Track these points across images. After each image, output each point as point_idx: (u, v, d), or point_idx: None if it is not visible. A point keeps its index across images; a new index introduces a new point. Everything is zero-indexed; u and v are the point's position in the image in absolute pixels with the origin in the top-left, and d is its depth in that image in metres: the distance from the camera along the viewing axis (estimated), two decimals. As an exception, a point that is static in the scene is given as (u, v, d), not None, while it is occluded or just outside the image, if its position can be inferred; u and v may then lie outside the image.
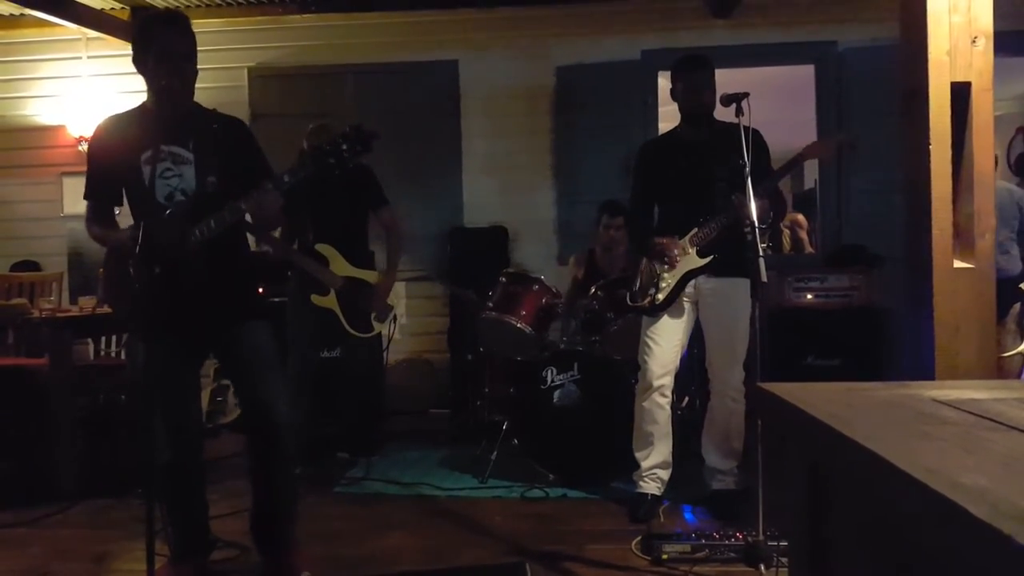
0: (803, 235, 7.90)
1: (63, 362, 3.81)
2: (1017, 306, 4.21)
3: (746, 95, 2.72)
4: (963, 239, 2.35)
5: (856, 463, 0.81)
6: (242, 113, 5.69)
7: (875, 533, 0.87)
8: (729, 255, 3.11)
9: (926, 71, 2.30)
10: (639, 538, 2.93)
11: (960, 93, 2.30)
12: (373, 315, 4.00)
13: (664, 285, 3.24)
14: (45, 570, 2.87)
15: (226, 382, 5.05)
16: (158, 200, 2.50)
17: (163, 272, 2.35)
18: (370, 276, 4.01)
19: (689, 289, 3.25)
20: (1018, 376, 3.97)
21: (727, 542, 2.74)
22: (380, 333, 4.16)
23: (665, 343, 3.24)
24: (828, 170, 5.53)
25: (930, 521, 0.64)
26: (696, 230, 3.20)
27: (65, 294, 5.30)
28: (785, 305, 4.74)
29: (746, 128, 2.76)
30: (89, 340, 4.75)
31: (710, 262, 3.19)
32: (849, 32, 5.35)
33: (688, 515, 3.29)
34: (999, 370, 3.63)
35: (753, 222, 2.64)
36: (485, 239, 5.39)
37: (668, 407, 3.28)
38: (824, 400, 1.04)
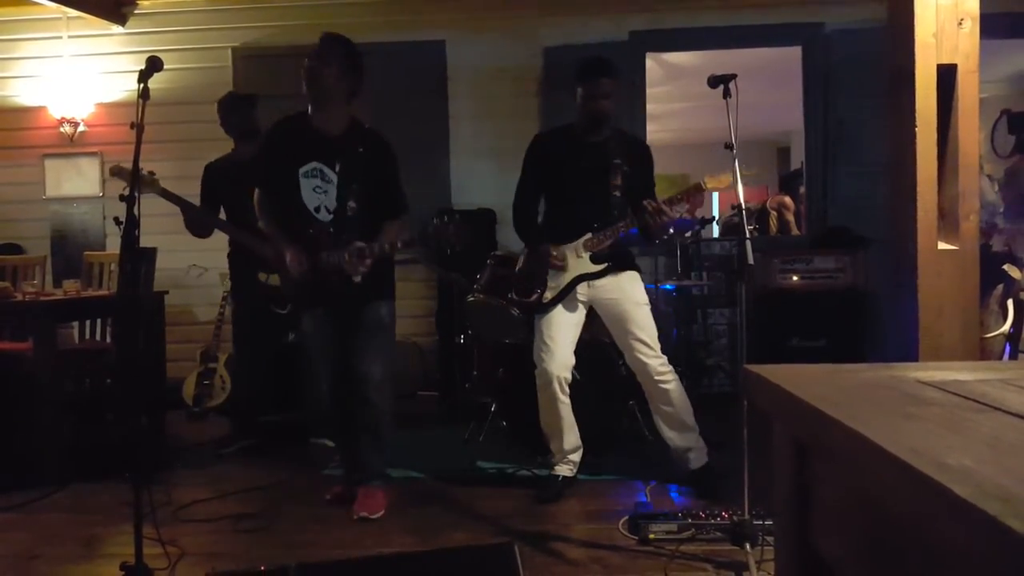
0: (789, 217, 7.93)
1: (47, 346, 3.78)
2: (1000, 287, 4.24)
3: (733, 76, 2.72)
4: (947, 221, 2.37)
5: (842, 444, 0.81)
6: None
7: (860, 513, 0.88)
8: (618, 257, 3.27)
9: (912, 53, 2.30)
10: (626, 518, 2.96)
11: (946, 75, 2.31)
12: None
13: (553, 285, 3.29)
14: (33, 554, 2.86)
15: (213, 366, 5.04)
16: (308, 209, 3.04)
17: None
18: None
19: (581, 289, 3.29)
20: (1000, 356, 4.01)
21: (713, 521, 2.77)
22: None
23: (561, 340, 3.27)
24: (814, 152, 5.54)
25: (915, 501, 0.64)
26: (590, 235, 3.24)
27: (49, 277, 5.25)
28: (771, 287, 4.77)
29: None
30: (74, 324, 4.72)
31: (602, 270, 3.26)
32: (836, 14, 5.35)
33: (674, 495, 3.32)
34: (982, 351, 3.66)
35: (740, 204, 2.65)
36: (473, 221, 5.37)
37: (568, 399, 3.30)
38: (810, 381, 1.05)
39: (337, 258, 2.97)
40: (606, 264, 3.25)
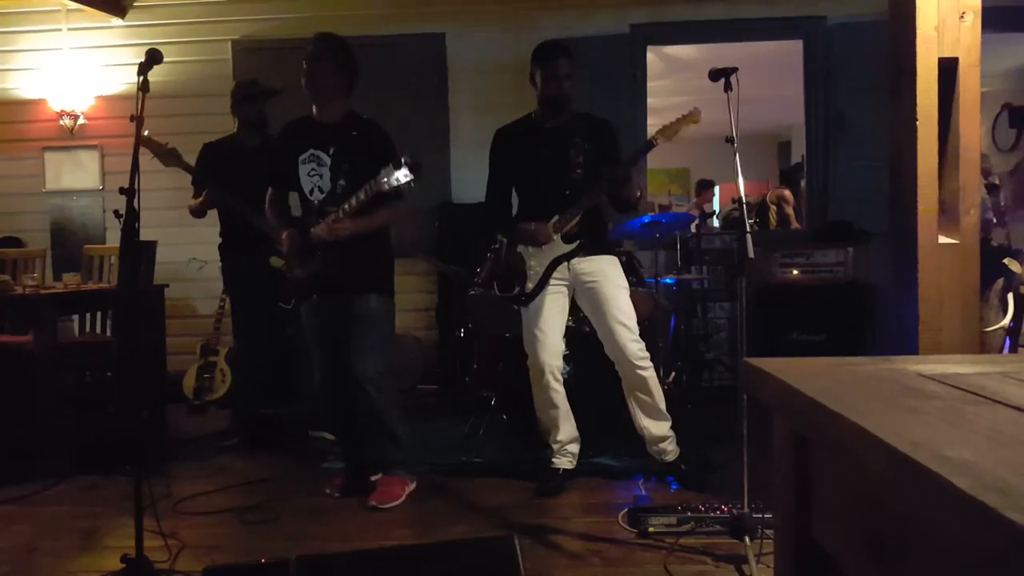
0: (789, 211, 7.91)
1: (48, 339, 3.79)
2: (1000, 281, 4.24)
3: (735, 70, 2.71)
4: (948, 215, 2.37)
5: (842, 437, 0.82)
6: (226, 87, 5.61)
7: (860, 505, 0.89)
8: (593, 237, 3.29)
9: (914, 47, 2.29)
10: (625, 511, 2.96)
11: (947, 69, 2.31)
12: None
13: (532, 273, 3.30)
14: (33, 547, 2.86)
15: (213, 359, 5.04)
16: (305, 193, 3.19)
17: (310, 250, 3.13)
18: None
19: (561, 274, 3.29)
20: (1000, 351, 4.01)
21: (712, 515, 2.77)
22: None
23: (551, 331, 3.29)
24: (815, 146, 5.53)
25: (915, 493, 0.64)
26: (558, 217, 3.24)
27: (49, 270, 5.24)
28: (771, 281, 4.77)
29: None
30: (74, 317, 4.72)
31: (576, 248, 3.27)
32: (838, 7, 5.33)
33: (673, 488, 3.32)
34: (982, 345, 3.67)
35: (741, 198, 2.65)
36: (474, 215, 5.34)
37: (562, 388, 3.33)
38: (811, 375, 1.05)
39: (320, 228, 3.06)
40: (578, 241, 3.27)
